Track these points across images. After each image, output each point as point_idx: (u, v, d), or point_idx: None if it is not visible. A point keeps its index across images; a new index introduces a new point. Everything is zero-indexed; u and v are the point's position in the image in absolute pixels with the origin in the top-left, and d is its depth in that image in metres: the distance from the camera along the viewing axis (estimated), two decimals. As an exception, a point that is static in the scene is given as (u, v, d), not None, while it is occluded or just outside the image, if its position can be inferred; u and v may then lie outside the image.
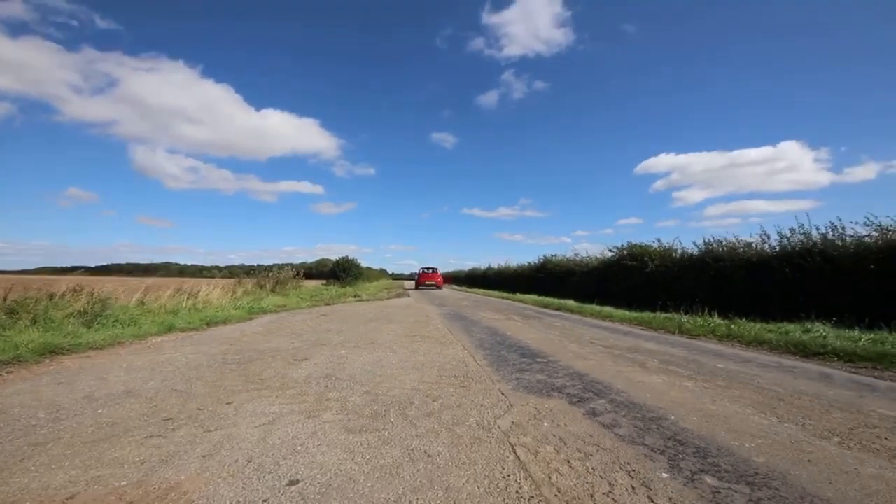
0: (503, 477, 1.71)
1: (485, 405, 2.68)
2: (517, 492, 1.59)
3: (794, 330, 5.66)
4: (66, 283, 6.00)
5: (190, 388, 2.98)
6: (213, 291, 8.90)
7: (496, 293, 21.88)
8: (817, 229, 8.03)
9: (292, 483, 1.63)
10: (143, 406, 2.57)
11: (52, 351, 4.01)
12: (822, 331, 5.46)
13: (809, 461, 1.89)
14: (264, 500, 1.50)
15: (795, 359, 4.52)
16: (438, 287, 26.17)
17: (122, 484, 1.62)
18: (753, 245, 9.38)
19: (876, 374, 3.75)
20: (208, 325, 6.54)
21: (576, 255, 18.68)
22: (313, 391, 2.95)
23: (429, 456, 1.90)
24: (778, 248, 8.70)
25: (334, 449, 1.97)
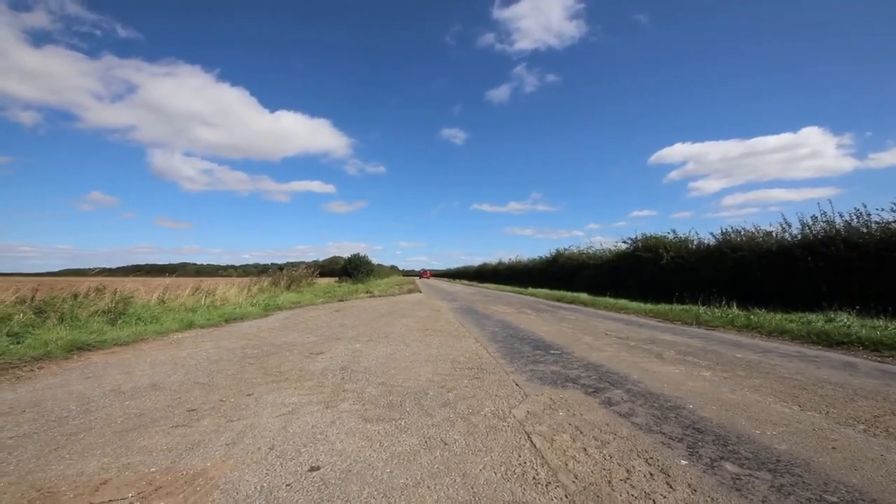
0: (519, 464, 1.72)
1: (499, 395, 2.69)
2: (534, 478, 1.60)
3: (816, 320, 5.52)
4: (88, 283, 6.20)
5: (212, 381, 3.06)
6: (229, 289, 9.10)
7: (507, 288, 21.83)
8: (841, 216, 7.79)
9: (313, 469, 1.68)
10: (168, 398, 2.65)
11: (80, 347, 4.17)
12: (845, 320, 5.31)
13: (834, 448, 1.86)
14: (287, 485, 1.54)
15: (818, 348, 4.41)
16: (429, 277, 48.26)
17: (152, 470, 1.68)
18: (773, 234, 9.14)
19: (904, 362, 3.63)
20: (226, 321, 6.69)
21: (589, 247, 18.49)
22: (330, 383, 3.01)
23: (445, 444, 1.92)
24: (800, 237, 8.45)
25: (353, 437, 2.01)
